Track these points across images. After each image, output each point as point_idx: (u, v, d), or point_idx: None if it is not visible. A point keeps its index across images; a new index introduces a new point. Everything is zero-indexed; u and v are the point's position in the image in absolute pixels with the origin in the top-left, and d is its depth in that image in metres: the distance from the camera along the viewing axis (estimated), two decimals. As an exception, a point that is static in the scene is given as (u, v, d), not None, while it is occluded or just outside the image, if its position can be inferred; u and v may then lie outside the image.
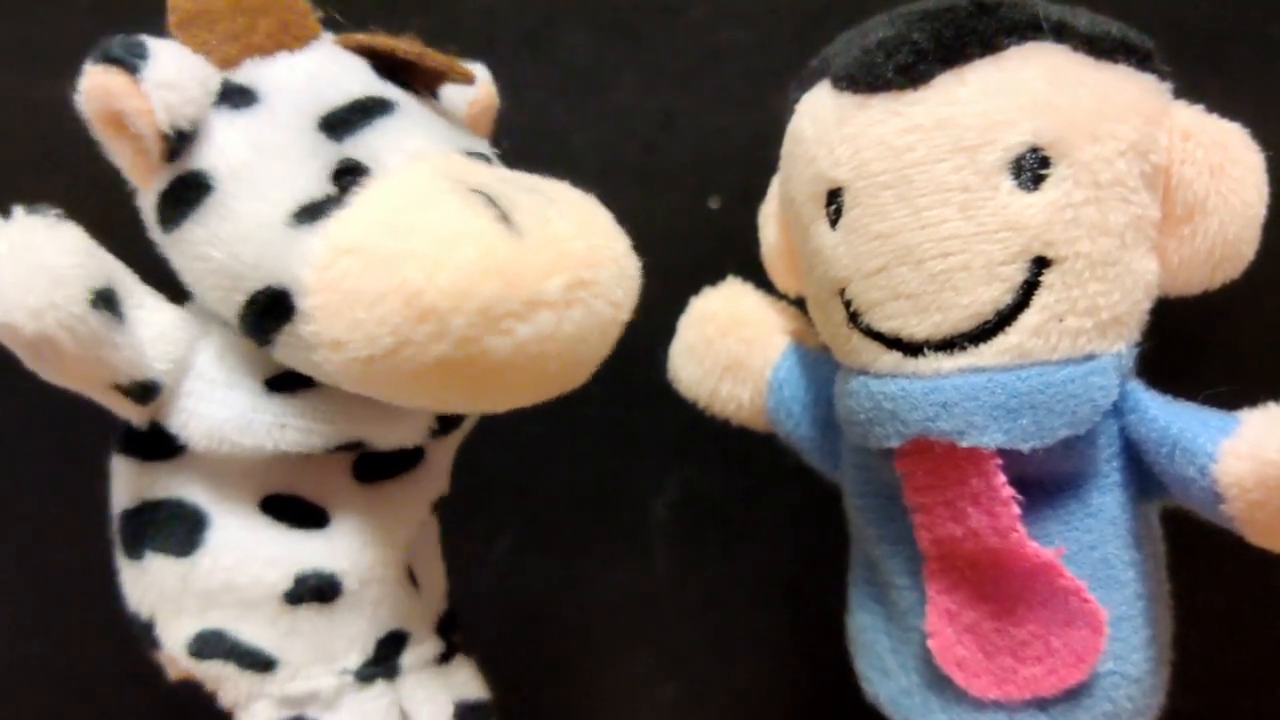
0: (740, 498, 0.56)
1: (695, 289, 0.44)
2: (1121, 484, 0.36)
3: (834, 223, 0.36)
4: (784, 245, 0.42)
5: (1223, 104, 0.37)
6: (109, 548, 0.39)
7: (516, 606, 0.47)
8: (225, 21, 0.35)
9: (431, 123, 0.37)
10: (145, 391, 0.34)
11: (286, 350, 0.33)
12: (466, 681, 0.42)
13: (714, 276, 0.45)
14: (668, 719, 0.58)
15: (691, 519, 0.57)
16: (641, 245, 0.36)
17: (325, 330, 0.31)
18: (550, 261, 0.31)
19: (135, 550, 0.37)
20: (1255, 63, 0.48)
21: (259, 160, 0.33)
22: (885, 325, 0.35)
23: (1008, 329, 0.34)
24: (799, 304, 0.43)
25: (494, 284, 0.30)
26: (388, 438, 0.37)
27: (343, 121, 0.35)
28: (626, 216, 0.36)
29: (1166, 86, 0.36)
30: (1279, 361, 0.49)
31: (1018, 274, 0.34)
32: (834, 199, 0.36)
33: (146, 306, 0.35)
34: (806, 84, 0.38)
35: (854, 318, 0.36)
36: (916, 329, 0.35)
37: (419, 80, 0.38)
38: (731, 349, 0.43)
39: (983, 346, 0.34)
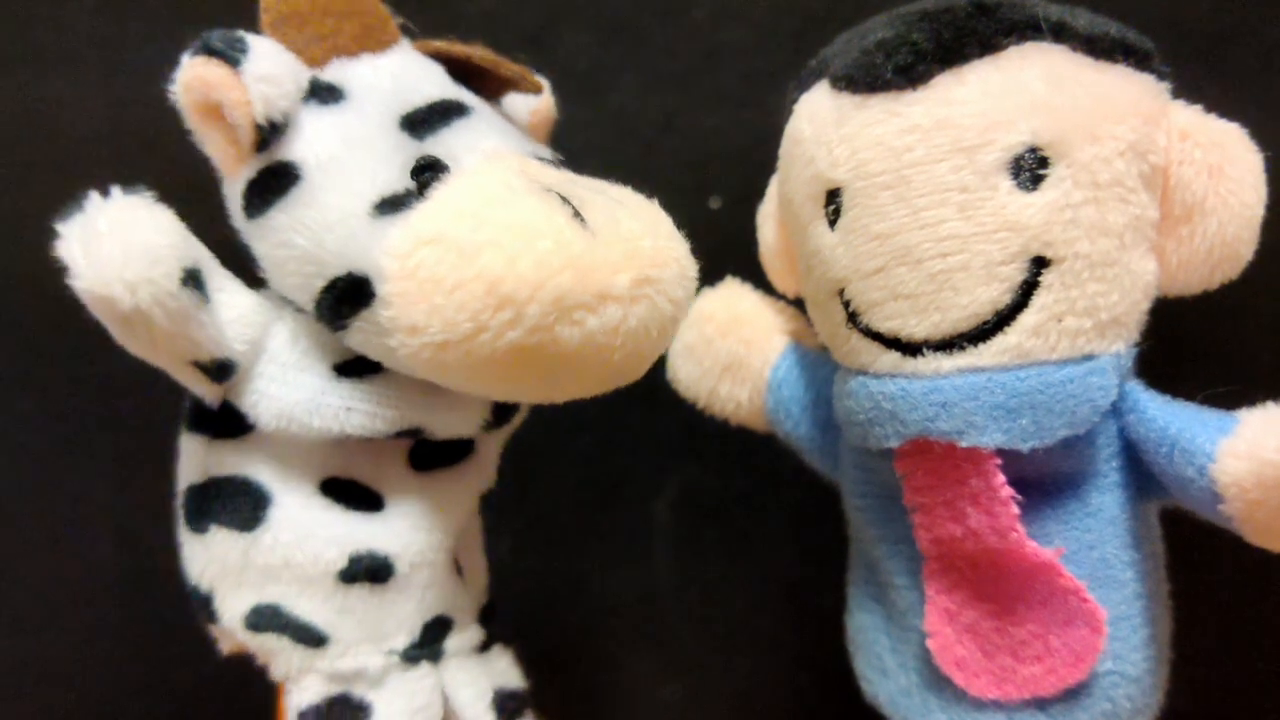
0: (740, 498, 0.56)
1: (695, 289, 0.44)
2: (1121, 484, 0.37)
3: (832, 223, 0.36)
4: (782, 246, 0.42)
5: (1222, 104, 0.37)
6: (116, 548, 0.39)
7: (517, 607, 0.47)
8: (313, 23, 0.37)
9: (503, 126, 0.38)
10: (223, 370, 0.36)
11: (360, 336, 0.35)
12: (506, 670, 0.43)
13: (714, 277, 0.45)
14: (669, 719, 0.58)
15: (692, 519, 0.57)
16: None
17: (403, 315, 0.32)
18: (620, 258, 0.32)
19: (200, 524, 0.38)
20: (1255, 63, 0.48)
21: (346, 153, 0.35)
22: (884, 325, 0.35)
23: (1007, 329, 0.34)
24: (798, 304, 0.43)
25: (568, 276, 0.31)
26: (445, 426, 0.38)
27: (423, 121, 0.36)
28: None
29: (1165, 87, 0.36)
30: (1278, 362, 0.49)
31: (1016, 274, 0.34)
32: (832, 199, 0.36)
33: (227, 290, 0.36)
34: (805, 85, 0.38)
35: (853, 318, 0.36)
36: (915, 329, 0.35)
37: (486, 87, 0.40)
38: (731, 349, 0.43)
39: (982, 346, 0.34)
